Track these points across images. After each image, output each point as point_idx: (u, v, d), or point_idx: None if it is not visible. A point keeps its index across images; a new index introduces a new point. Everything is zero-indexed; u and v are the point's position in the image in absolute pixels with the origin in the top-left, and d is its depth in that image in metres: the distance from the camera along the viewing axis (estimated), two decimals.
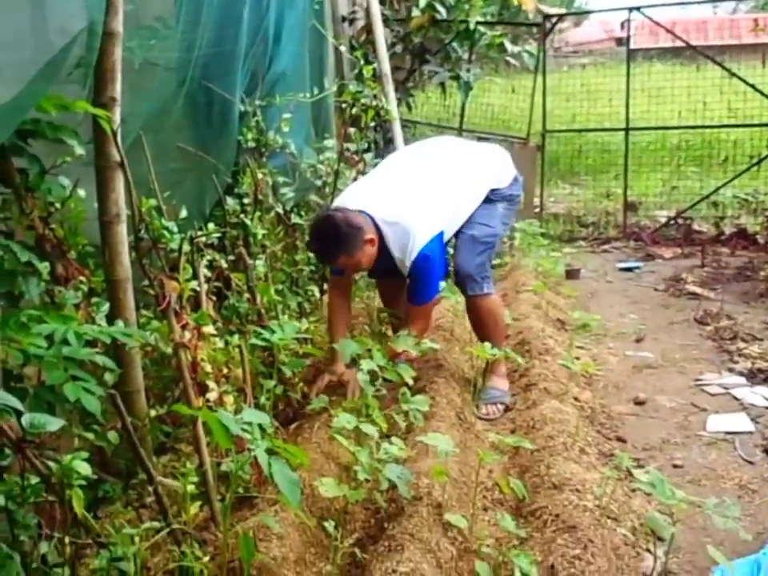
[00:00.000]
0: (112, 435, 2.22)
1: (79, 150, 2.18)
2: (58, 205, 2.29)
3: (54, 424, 1.61)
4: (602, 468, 2.72)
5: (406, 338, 3.03)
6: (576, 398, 3.44)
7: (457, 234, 3.40)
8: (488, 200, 3.40)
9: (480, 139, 7.08)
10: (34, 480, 1.68)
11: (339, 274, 3.41)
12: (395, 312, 3.68)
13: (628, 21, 8.02)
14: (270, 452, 1.74)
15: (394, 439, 2.47)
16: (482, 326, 3.42)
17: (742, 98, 8.01)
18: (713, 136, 9.05)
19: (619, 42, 22.11)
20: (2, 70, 2.58)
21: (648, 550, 2.32)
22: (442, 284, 3.30)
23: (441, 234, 3.21)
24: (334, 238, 3.03)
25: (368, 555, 2.15)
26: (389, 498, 2.41)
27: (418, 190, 3.27)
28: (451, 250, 3.84)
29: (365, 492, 2.30)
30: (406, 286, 3.37)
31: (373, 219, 3.13)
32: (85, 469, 1.66)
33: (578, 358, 3.83)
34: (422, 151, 3.62)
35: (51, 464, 1.66)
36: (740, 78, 7.59)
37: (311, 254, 3.94)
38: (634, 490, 2.70)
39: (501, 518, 2.23)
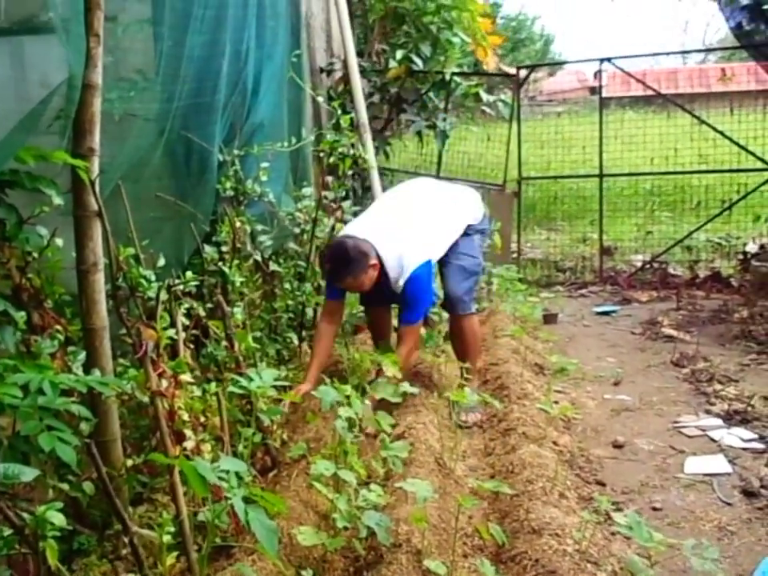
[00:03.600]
0: (87, 486, 2.19)
1: (57, 200, 2.19)
2: (35, 254, 2.30)
3: (29, 474, 1.60)
4: (582, 512, 2.71)
5: (386, 385, 3.04)
6: (555, 443, 3.44)
7: (443, 264, 3.89)
8: (465, 234, 3.92)
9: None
10: (7, 532, 1.66)
11: (335, 298, 3.77)
12: (383, 346, 3.90)
13: (600, 71, 8.22)
14: (248, 500, 1.74)
15: (372, 486, 2.47)
16: (466, 343, 3.94)
17: (712, 145, 8.20)
18: (685, 181, 9.22)
19: (592, 90, 22.58)
20: None
21: None
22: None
23: (429, 262, 3.68)
24: (344, 261, 3.51)
25: None
26: (368, 546, 2.39)
27: (411, 223, 3.76)
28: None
29: (344, 540, 2.28)
30: (393, 314, 3.95)
31: (374, 247, 3.56)
32: (60, 520, 1.64)
33: (556, 402, 3.84)
34: (410, 190, 4.15)
35: (25, 515, 1.64)
36: (709, 125, 7.78)
37: (290, 302, 4.09)
38: (613, 534, 2.69)
39: (480, 563, 2.22)
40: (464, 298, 3.87)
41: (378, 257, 3.58)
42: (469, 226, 3.94)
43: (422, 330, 4.24)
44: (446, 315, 4.40)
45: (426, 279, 3.66)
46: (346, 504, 2.27)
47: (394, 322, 4.19)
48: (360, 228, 3.72)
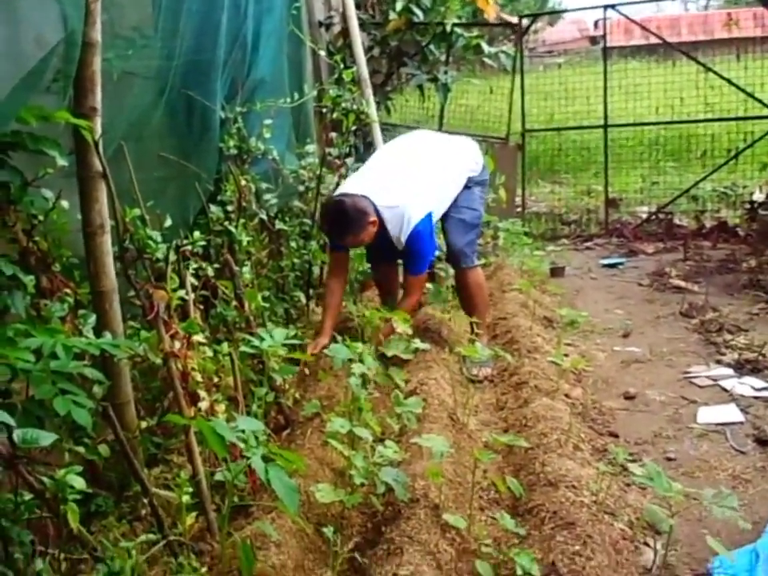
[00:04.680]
0: (103, 448, 2.19)
1: (61, 161, 2.14)
2: (41, 217, 2.26)
3: (47, 438, 1.58)
4: (597, 464, 2.72)
5: (397, 342, 3.03)
6: (567, 395, 3.44)
7: (445, 218, 3.90)
8: (466, 186, 3.91)
9: None
10: (28, 496, 1.65)
11: (339, 250, 3.79)
12: (390, 303, 3.96)
13: (604, 19, 8.06)
14: (266, 459, 1.73)
15: (387, 442, 2.47)
16: (472, 296, 3.95)
17: (718, 93, 8.09)
18: (690, 131, 9.10)
19: (593, 40, 22.24)
20: None
21: (646, 544, 2.33)
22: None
23: (430, 214, 3.66)
24: (343, 220, 3.50)
25: (367, 559, 2.14)
26: (386, 502, 2.40)
27: (410, 178, 3.73)
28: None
29: (361, 496, 2.29)
30: (400, 271, 4.01)
31: (373, 203, 3.55)
32: (79, 483, 1.64)
33: (566, 355, 3.83)
34: (409, 144, 4.10)
35: (45, 479, 1.64)
36: (715, 73, 7.66)
37: (296, 261, 4.07)
38: (628, 485, 2.70)
39: (500, 517, 2.23)
40: (466, 251, 3.89)
41: (378, 213, 3.57)
42: (469, 178, 3.93)
43: (429, 286, 4.23)
44: (452, 271, 4.40)
45: (428, 233, 3.66)
46: (363, 461, 2.27)
47: (401, 278, 4.18)
48: (358, 184, 3.70)
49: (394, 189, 3.65)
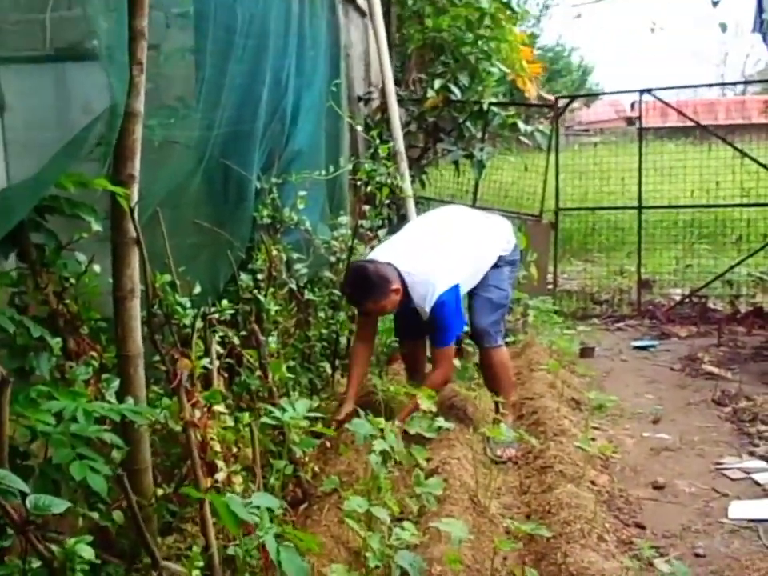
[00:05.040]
0: (117, 515, 2.16)
1: (96, 226, 2.20)
2: (72, 280, 2.31)
3: (59, 506, 1.57)
4: (622, 557, 2.63)
5: (420, 419, 3.00)
6: (593, 482, 3.35)
7: (472, 296, 3.90)
8: (496, 265, 3.89)
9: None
10: (36, 563, 1.63)
11: (368, 315, 3.76)
12: (415, 379, 3.94)
13: (640, 101, 8.15)
14: (279, 537, 1.69)
15: (405, 524, 2.41)
16: (495, 376, 3.91)
17: (754, 178, 8.06)
18: (726, 215, 9.07)
19: (629, 121, 22.46)
20: (24, 148, 2.64)
21: None
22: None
23: (457, 287, 3.62)
24: (364, 286, 3.49)
25: None
26: None
27: (439, 249, 3.73)
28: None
29: None
30: (425, 346, 3.99)
31: (398, 271, 3.54)
32: (89, 553, 1.62)
33: (593, 440, 3.76)
34: (442, 217, 4.16)
35: (54, 547, 1.62)
36: (751, 158, 7.66)
37: (323, 331, 4.07)
38: None
39: None
40: (490, 331, 3.86)
41: (402, 281, 3.55)
42: (499, 257, 3.91)
43: (457, 362, 4.18)
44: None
45: (454, 304, 3.62)
46: (379, 542, 2.22)
47: (428, 352, 4.16)
48: (385, 252, 3.72)
49: (421, 257, 3.65)
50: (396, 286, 3.52)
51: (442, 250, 3.73)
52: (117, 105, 2.14)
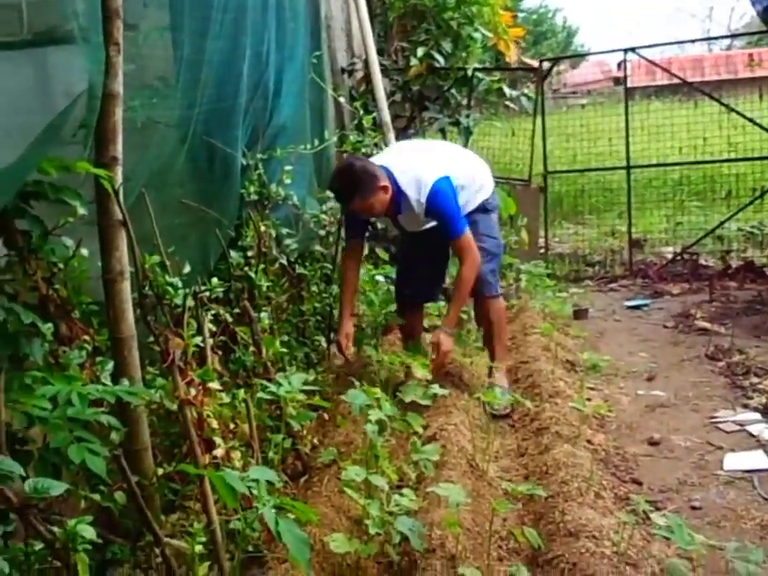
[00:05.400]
0: (119, 495, 2.18)
1: (81, 210, 2.19)
2: (61, 265, 2.30)
3: (58, 488, 1.59)
4: (619, 513, 2.66)
5: (415, 387, 3.02)
6: (589, 441, 3.39)
7: None
8: (485, 210, 3.91)
9: None
10: (39, 546, 1.65)
11: (355, 238, 3.86)
12: (412, 345, 3.96)
13: (624, 61, 8.11)
14: (278, 509, 1.71)
15: (404, 490, 2.44)
16: (492, 323, 3.93)
17: (741, 132, 8.07)
18: (714, 171, 9.07)
19: (616, 81, 22.35)
20: (5, 134, 2.62)
21: None
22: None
23: (448, 177, 3.58)
24: (351, 180, 3.48)
25: None
26: (401, 552, 2.36)
27: (429, 155, 3.81)
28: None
29: (376, 546, 2.26)
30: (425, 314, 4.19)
31: (391, 173, 3.55)
32: (90, 533, 1.63)
33: (589, 400, 3.79)
34: (430, 141, 4.42)
35: (55, 529, 1.64)
36: (738, 113, 7.65)
37: (317, 305, 4.09)
38: (652, 535, 2.63)
39: (516, 569, 2.18)
40: (489, 279, 3.87)
41: (396, 184, 3.56)
42: (485, 201, 3.93)
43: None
44: (472, 313, 4.41)
45: (450, 191, 3.59)
46: (378, 510, 2.24)
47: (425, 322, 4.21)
48: (376, 159, 3.80)
49: (412, 160, 3.69)
50: (384, 183, 3.52)
51: (432, 155, 3.82)
52: (94, 86, 2.13)
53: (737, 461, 3.30)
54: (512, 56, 7.70)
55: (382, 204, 3.56)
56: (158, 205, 2.75)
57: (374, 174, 3.49)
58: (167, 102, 3.23)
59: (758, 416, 3.76)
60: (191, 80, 3.16)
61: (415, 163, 3.62)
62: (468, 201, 3.82)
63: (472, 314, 4.48)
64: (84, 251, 2.35)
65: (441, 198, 3.53)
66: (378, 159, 3.78)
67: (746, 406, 3.91)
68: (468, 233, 3.67)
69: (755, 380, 4.26)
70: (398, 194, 3.57)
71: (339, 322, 3.79)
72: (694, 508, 2.92)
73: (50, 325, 2.17)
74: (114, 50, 2.21)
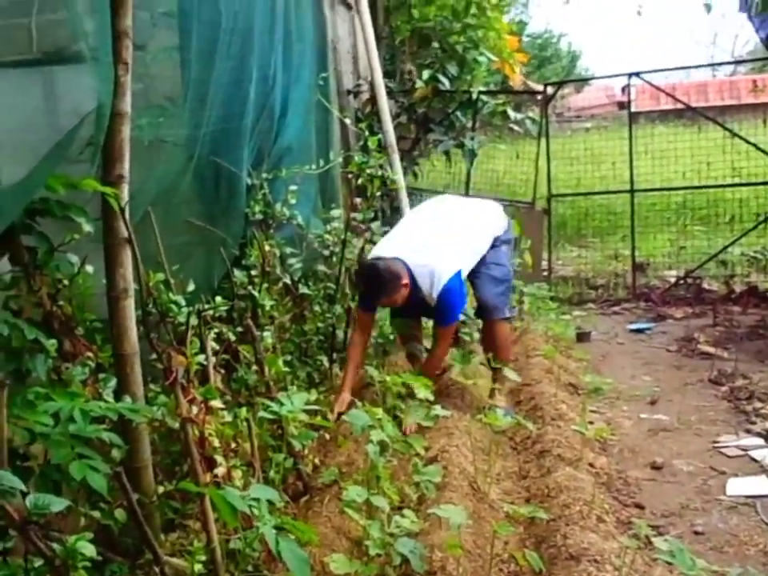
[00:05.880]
0: (119, 513, 2.18)
1: (87, 228, 2.21)
2: (65, 281, 2.32)
3: (58, 504, 1.59)
4: (621, 537, 2.65)
5: (418, 408, 3.02)
6: (591, 464, 3.37)
7: (474, 276, 4.04)
8: (492, 246, 4.07)
9: None
10: (38, 562, 1.65)
11: (367, 311, 3.94)
12: (409, 348, 4.23)
13: (628, 86, 8.16)
14: (279, 529, 1.71)
15: (405, 511, 2.43)
16: (497, 347, 4.03)
17: (744, 157, 8.08)
18: (718, 195, 9.09)
19: (621, 105, 22.46)
20: (14, 151, 2.65)
21: None
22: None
23: (459, 272, 3.81)
24: (378, 283, 3.67)
25: None
26: (402, 573, 2.34)
27: (439, 239, 3.89)
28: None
29: (377, 567, 2.24)
30: (420, 322, 4.28)
31: (406, 265, 3.70)
32: (89, 550, 1.63)
33: (591, 423, 3.78)
34: (436, 208, 4.32)
35: (55, 546, 1.63)
36: (742, 138, 7.68)
37: (320, 324, 4.11)
38: (654, 559, 2.61)
39: None
40: (498, 304, 4.04)
41: (410, 273, 3.71)
42: (495, 237, 4.09)
43: (454, 350, 4.24)
44: (476, 336, 4.43)
45: (458, 288, 3.80)
46: (379, 531, 2.23)
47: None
48: (389, 247, 3.88)
49: (424, 249, 3.80)
50: (406, 280, 3.69)
51: (442, 239, 3.89)
52: (103, 105, 2.15)
53: (740, 486, 3.28)
54: (516, 80, 7.77)
55: (403, 298, 3.75)
56: (163, 223, 2.77)
57: (397, 275, 3.67)
58: (174, 121, 3.26)
59: (761, 441, 3.75)
60: (198, 100, 3.20)
61: (430, 257, 3.76)
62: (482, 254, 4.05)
63: (476, 335, 4.50)
64: (89, 268, 2.36)
65: (450, 296, 3.76)
66: (391, 247, 3.86)
67: (749, 431, 3.90)
68: (454, 325, 4.05)
69: (758, 405, 4.24)
70: (414, 287, 3.75)
71: (340, 388, 3.80)
72: (696, 533, 2.91)
73: (53, 341, 2.18)
74: (122, 69, 2.23)
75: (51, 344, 2.16)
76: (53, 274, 2.26)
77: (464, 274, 3.89)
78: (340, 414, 3.44)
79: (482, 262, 4.01)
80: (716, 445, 3.76)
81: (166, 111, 3.35)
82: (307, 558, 1.66)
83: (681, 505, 3.15)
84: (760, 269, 7.73)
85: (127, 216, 2.27)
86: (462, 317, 4.60)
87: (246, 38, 3.51)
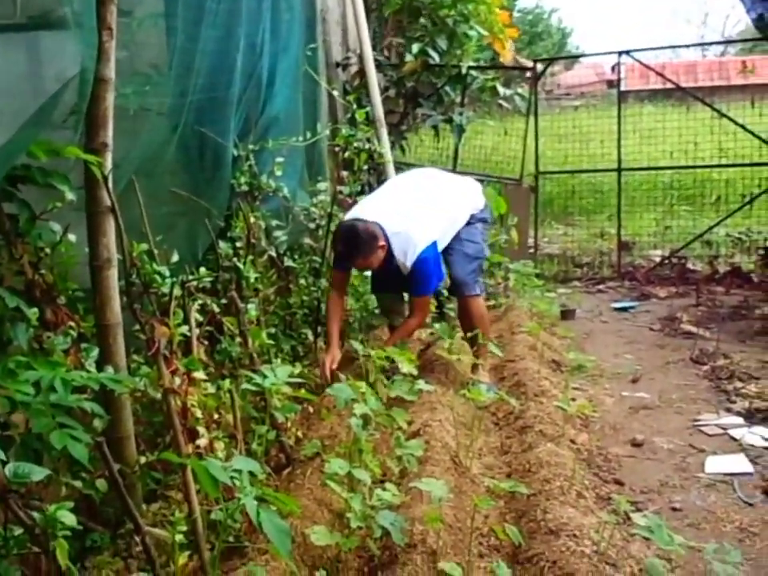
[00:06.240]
0: (100, 483, 2.18)
1: (69, 196, 2.18)
2: (48, 250, 2.29)
3: (39, 473, 1.58)
4: (600, 512, 2.67)
5: (401, 383, 3.02)
6: (572, 441, 3.40)
7: (448, 252, 4.04)
8: (468, 223, 4.11)
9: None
10: (18, 531, 1.64)
11: (341, 269, 3.96)
12: (391, 322, 4.29)
13: (618, 64, 8.13)
14: (260, 500, 1.71)
15: (387, 485, 2.44)
16: (472, 323, 4.01)
17: (732, 138, 8.10)
18: (704, 175, 9.12)
19: (610, 84, 22.40)
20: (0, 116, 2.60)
21: None
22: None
23: (435, 243, 3.83)
24: (355, 243, 3.69)
25: None
26: (382, 546, 2.36)
27: (418, 208, 3.91)
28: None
29: (358, 539, 2.25)
30: (403, 298, 4.26)
31: (383, 229, 3.72)
32: (70, 519, 1.62)
33: (573, 400, 3.79)
34: (419, 177, 4.37)
35: (35, 514, 1.63)
36: (729, 119, 7.68)
37: (305, 298, 4.11)
38: (632, 535, 2.64)
39: (496, 565, 2.18)
40: (468, 281, 4.05)
41: (386, 238, 3.74)
42: (471, 215, 4.13)
43: (437, 325, 4.25)
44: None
45: (433, 259, 3.82)
46: (360, 503, 2.24)
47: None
48: (369, 210, 3.88)
49: (402, 217, 3.82)
50: (382, 242, 3.71)
51: (421, 208, 3.92)
52: (86, 71, 2.11)
53: (718, 464, 3.32)
54: (507, 56, 7.71)
55: (379, 260, 3.77)
56: (147, 193, 2.74)
57: (374, 236, 3.69)
58: (159, 89, 3.21)
59: (740, 420, 3.79)
60: (184, 68, 3.15)
61: (408, 225, 3.77)
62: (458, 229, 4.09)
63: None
64: (72, 237, 2.33)
65: (424, 266, 3.78)
66: (370, 211, 3.86)
67: (729, 410, 3.94)
68: (429, 296, 4.05)
69: (739, 384, 4.29)
70: (389, 253, 3.78)
71: (327, 347, 3.88)
72: (674, 509, 2.94)
73: (35, 310, 2.16)
74: (106, 34, 2.19)
75: (33, 313, 2.14)
76: (35, 242, 2.24)
77: (440, 246, 3.92)
78: (333, 373, 3.60)
79: (457, 237, 4.06)
80: (696, 423, 3.80)
81: (151, 79, 3.30)
82: (288, 529, 1.66)
83: (660, 482, 3.18)
84: (744, 250, 7.77)
85: (110, 184, 2.24)
86: (445, 292, 4.66)
87: (234, 5, 3.46)
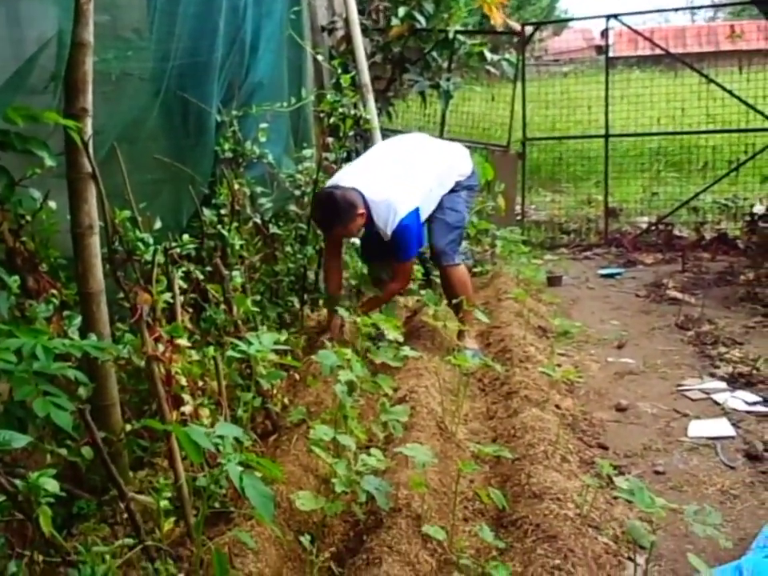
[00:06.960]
0: (86, 450, 2.17)
1: (49, 162, 2.15)
2: (28, 217, 2.27)
3: (21, 440, 1.57)
4: (583, 476, 2.71)
5: (386, 349, 3.03)
6: (557, 406, 3.43)
7: (430, 219, 4.04)
8: (452, 190, 4.08)
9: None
10: (1, 498, 1.64)
11: (333, 235, 3.93)
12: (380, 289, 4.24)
13: (606, 29, 8.06)
14: (245, 466, 1.72)
15: (372, 450, 2.45)
16: (453, 291, 4.04)
17: (720, 104, 8.08)
18: (692, 142, 9.10)
19: (599, 50, 22.25)
20: None
21: (630, 559, 2.30)
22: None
23: (417, 210, 3.80)
24: (333, 211, 3.66)
25: (346, 569, 2.12)
26: (367, 510, 2.38)
27: (400, 175, 3.87)
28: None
29: (343, 504, 2.27)
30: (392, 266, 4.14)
31: (363, 196, 3.69)
32: (53, 486, 1.62)
33: (559, 365, 3.82)
34: (404, 144, 4.28)
35: (18, 481, 1.63)
36: (718, 84, 7.65)
37: (291, 265, 4.11)
38: (615, 498, 2.68)
39: (479, 529, 2.21)
40: (447, 251, 4.05)
41: (366, 205, 3.71)
42: (457, 182, 4.09)
43: (423, 292, 4.27)
44: None
45: (415, 226, 3.81)
46: (345, 469, 2.26)
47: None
48: (350, 176, 3.85)
49: (383, 183, 3.79)
50: (361, 210, 3.68)
51: (403, 175, 3.87)
52: (63, 33, 2.07)
53: (701, 428, 3.36)
54: (497, 19, 7.60)
55: (358, 228, 3.78)
56: (129, 159, 2.71)
57: (353, 204, 3.65)
58: (141, 54, 3.16)
59: (723, 385, 3.82)
60: (166, 32, 3.10)
61: (388, 191, 3.74)
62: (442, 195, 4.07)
63: None
64: (52, 204, 2.31)
65: (404, 233, 3.76)
66: (350, 177, 3.82)
67: (712, 375, 3.97)
68: (410, 262, 4.04)
69: (723, 350, 4.32)
70: (369, 218, 3.75)
71: (328, 316, 3.96)
72: (657, 473, 2.98)
73: (16, 277, 2.14)
74: None
75: (14, 280, 2.12)
76: (15, 209, 2.21)
77: (423, 214, 3.89)
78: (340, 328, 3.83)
79: (440, 205, 4.04)
80: (680, 388, 3.83)
81: (132, 43, 3.24)
82: (271, 495, 1.67)
83: (643, 446, 3.22)
84: (730, 216, 7.79)
85: (91, 150, 2.21)
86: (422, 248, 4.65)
87: None
